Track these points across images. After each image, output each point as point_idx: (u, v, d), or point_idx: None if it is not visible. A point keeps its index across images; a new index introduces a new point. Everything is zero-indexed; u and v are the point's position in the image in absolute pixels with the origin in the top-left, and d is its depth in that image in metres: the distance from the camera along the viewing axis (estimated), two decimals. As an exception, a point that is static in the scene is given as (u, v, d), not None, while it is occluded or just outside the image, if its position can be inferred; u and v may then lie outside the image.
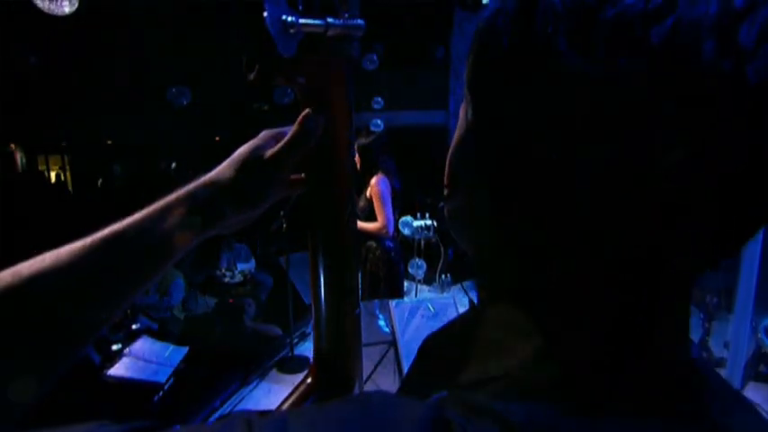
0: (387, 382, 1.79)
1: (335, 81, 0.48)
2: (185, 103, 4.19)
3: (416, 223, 4.17)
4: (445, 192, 0.40)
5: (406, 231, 4.21)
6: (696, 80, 0.24)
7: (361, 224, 2.98)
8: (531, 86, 0.27)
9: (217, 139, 7.46)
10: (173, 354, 2.95)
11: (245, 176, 0.49)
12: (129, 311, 3.19)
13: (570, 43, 0.25)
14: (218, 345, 3.70)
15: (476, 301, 0.41)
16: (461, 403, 0.29)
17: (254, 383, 3.39)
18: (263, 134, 0.52)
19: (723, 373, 2.52)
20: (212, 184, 0.48)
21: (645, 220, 0.27)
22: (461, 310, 1.85)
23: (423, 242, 4.42)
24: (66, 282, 0.40)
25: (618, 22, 0.24)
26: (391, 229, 2.95)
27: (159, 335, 3.29)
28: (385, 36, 4.99)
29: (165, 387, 2.72)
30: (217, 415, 2.87)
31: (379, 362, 1.73)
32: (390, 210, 2.92)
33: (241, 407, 3.06)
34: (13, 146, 7.59)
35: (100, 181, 8.35)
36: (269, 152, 0.49)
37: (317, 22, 0.41)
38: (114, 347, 2.88)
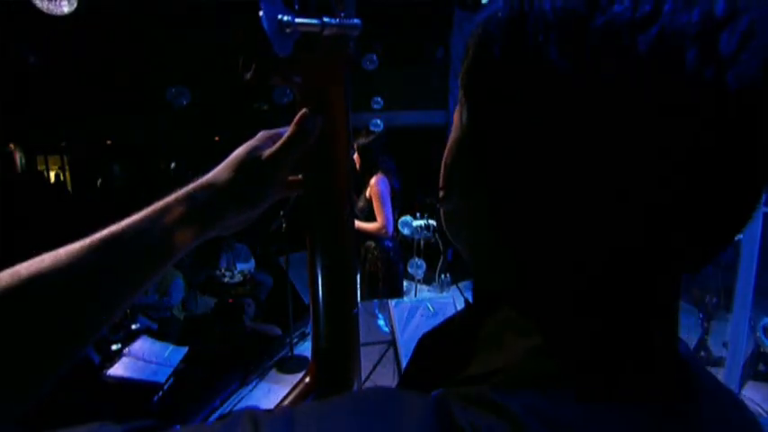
0: (386, 381, 1.79)
1: (332, 80, 0.48)
2: (185, 103, 4.18)
3: (416, 223, 4.17)
4: (440, 193, 0.40)
5: (406, 231, 4.21)
6: (680, 87, 0.24)
7: (360, 224, 2.98)
8: (524, 93, 0.28)
9: (216, 138, 7.45)
10: (172, 354, 2.94)
11: (243, 177, 0.49)
12: (128, 311, 3.19)
13: (561, 51, 0.26)
14: (218, 345, 3.71)
15: (471, 300, 0.41)
16: (461, 396, 0.30)
17: (254, 383, 3.39)
18: (261, 135, 0.52)
19: (722, 372, 2.52)
20: (210, 186, 0.48)
21: (634, 222, 0.28)
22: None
23: (422, 242, 4.41)
24: (66, 282, 0.40)
25: (607, 31, 0.25)
26: (391, 229, 2.95)
27: (159, 335, 3.29)
28: (384, 36, 4.99)
29: (165, 387, 2.72)
30: (216, 415, 2.87)
31: (379, 361, 1.73)
32: (390, 210, 2.92)
33: (241, 407, 3.06)
34: (12, 146, 7.59)
35: (99, 181, 8.35)
36: (266, 152, 0.49)
37: (313, 21, 0.42)
38: (114, 347, 2.88)
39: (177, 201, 0.46)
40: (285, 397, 0.58)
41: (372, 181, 2.92)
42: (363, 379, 1.57)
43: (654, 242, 0.28)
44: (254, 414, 0.29)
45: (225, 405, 3.11)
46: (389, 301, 2.04)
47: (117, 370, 2.69)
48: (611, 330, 0.31)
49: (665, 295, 0.32)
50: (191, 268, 4.41)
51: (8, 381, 0.37)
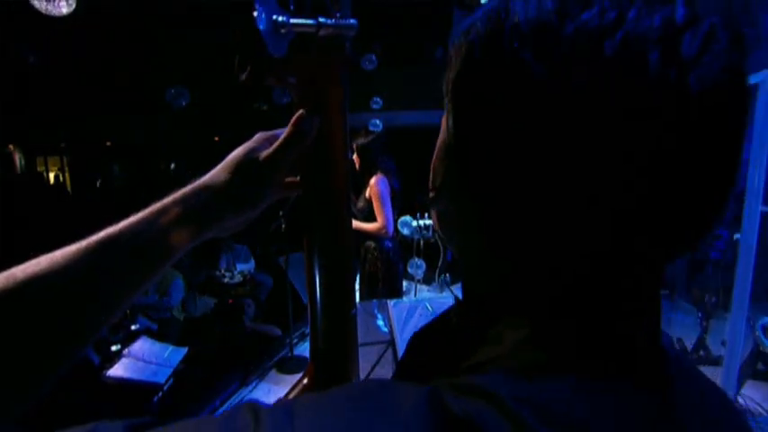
0: (385, 381, 1.79)
1: (329, 81, 0.48)
2: (184, 104, 4.18)
3: (416, 223, 4.17)
4: (430, 195, 0.41)
5: (406, 231, 4.21)
6: (643, 90, 0.25)
7: (360, 224, 2.98)
8: (502, 98, 0.29)
9: (216, 139, 7.45)
10: (172, 354, 2.94)
11: (240, 179, 0.49)
12: (128, 312, 3.19)
13: (536, 57, 0.27)
14: (218, 345, 3.71)
15: (461, 298, 0.42)
16: (453, 386, 0.30)
17: (254, 384, 3.39)
18: (258, 136, 0.52)
19: (720, 370, 2.52)
20: (208, 188, 0.48)
21: (602, 228, 0.29)
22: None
23: (422, 242, 4.41)
24: (63, 284, 0.40)
25: (576, 38, 0.26)
26: (391, 230, 2.95)
27: (159, 335, 3.29)
28: (383, 36, 4.99)
29: (165, 388, 2.72)
30: (216, 415, 2.87)
31: (378, 361, 1.73)
32: (390, 210, 2.91)
33: (240, 407, 3.06)
34: (11, 147, 7.59)
35: (99, 182, 8.34)
36: (263, 154, 0.49)
37: (308, 21, 0.42)
38: (113, 348, 2.88)
39: (174, 202, 0.47)
40: (284, 397, 0.58)
41: (372, 181, 2.91)
42: (362, 378, 1.57)
43: (619, 247, 0.29)
44: (254, 406, 0.29)
45: (225, 405, 3.11)
46: (388, 302, 2.04)
47: (117, 370, 2.69)
48: (586, 330, 0.32)
49: (637, 293, 0.33)
50: (191, 269, 4.41)
51: (8, 381, 0.37)
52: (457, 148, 0.34)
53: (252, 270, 4.73)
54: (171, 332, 3.60)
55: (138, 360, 2.82)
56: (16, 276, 0.38)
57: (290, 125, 0.48)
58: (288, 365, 3.60)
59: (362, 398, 0.30)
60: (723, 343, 3.11)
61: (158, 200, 0.47)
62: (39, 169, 8.53)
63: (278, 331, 3.98)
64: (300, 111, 0.48)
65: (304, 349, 3.84)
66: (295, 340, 3.80)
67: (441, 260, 4.93)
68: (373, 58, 4.71)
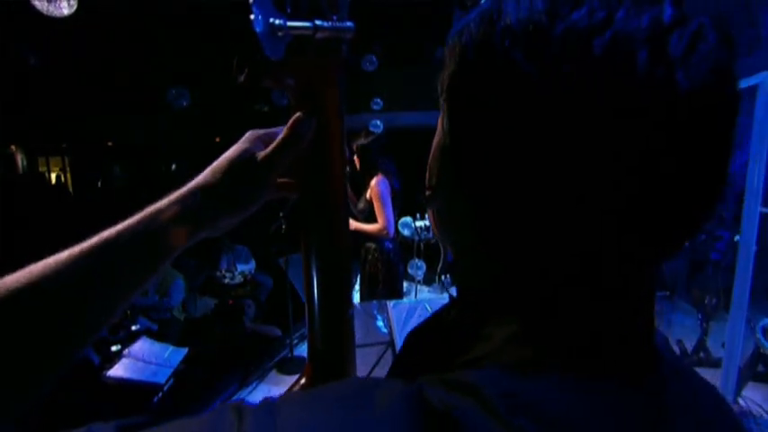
0: (384, 382, 1.79)
1: (326, 83, 0.48)
2: (185, 104, 4.19)
3: (416, 224, 4.17)
4: (426, 193, 0.42)
5: (406, 232, 4.21)
6: (632, 89, 0.26)
7: (361, 225, 2.99)
8: (496, 99, 0.29)
9: (217, 139, 7.45)
10: (172, 355, 2.95)
11: (236, 180, 0.49)
12: (128, 312, 3.20)
13: (527, 57, 0.27)
14: (218, 346, 3.71)
15: (455, 296, 0.42)
16: (441, 381, 0.31)
17: (254, 384, 3.39)
18: (249, 135, 0.52)
19: (719, 372, 2.51)
20: (203, 188, 0.49)
21: (591, 227, 0.29)
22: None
23: (422, 243, 4.42)
24: (56, 289, 0.40)
25: (566, 37, 0.27)
26: (392, 231, 2.95)
27: (159, 336, 3.29)
28: (384, 37, 4.99)
29: (165, 388, 2.73)
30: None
31: (377, 362, 1.73)
32: (390, 211, 2.92)
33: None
34: (13, 147, 7.60)
35: (99, 182, 8.36)
36: (260, 155, 0.49)
37: (304, 24, 0.42)
38: (114, 348, 2.88)
39: (170, 204, 0.47)
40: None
41: (373, 182, 2.92)
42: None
43: (607, 246, 0.30)
44: (239, 405, 0.30)
45: (225, 406, 3.11)
46: (388, 303, 2.05)
47: (117, 371, 2.69)
48: (575, 329, 0.32)
49: (627, 292, 0.33)
50: (191, 269, 4.41)
51: (7, 382, 0.38)
52: (452, 147, 0.34)
53: (252, 271, 4.73)
54: (171, 332, 3.60)
55: (139, 360, 2.83)
56: (6, 285, 0.38)
57: (287, 127, 0.49)
58: (288, 366, 3.61)
59: (345, 395, 0.30)
60: (724, 345, 3.11)
61: (157, 200, 0.47)
62: (41, 169, 8.54)
63: (278, 332, 3.98)
64: (298, 113, 0.48)
65: (304, 350, 3.79)
66: (295, 341, 3.80)
67: (441, 261, 4.93)
68: (374, 59, 4.71)
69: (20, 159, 7.85)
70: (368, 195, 2.96)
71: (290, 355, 3.70)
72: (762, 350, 3.07)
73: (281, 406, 0.29)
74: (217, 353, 3.54)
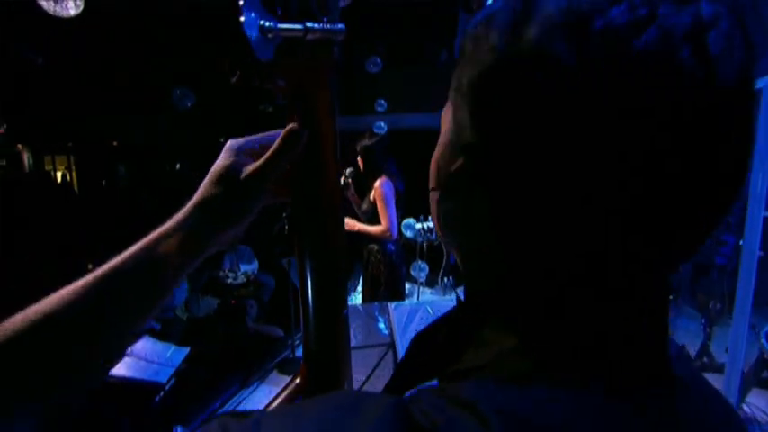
0: (385, 383, 1.79)
1: (317, 85, 0.48)
2: (189, 105, 4.20)
3: (419, 225, 4.16)
4: (432, 194, 0.41)
5: (409, 234, 4.20)
6: (673, 86, 0.25)
7: (364, 227, 2.99)
8: (531, 93, 0.28)
9: (221, 140, 7.47)
10: (174, 354, 2.95)
11: (228, 195, 0.50)
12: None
13: (568, 49, 0.26)
14: (220, 345, 3.72)
15: (463, 299, 0.42)
16: (434, 393, 0.30)
17: (255, 384, 3.40)
18: (231, 147, 0.52)
19: (722, 378, 2.49)
20: (201, 205, 0.50)
21: (597, 228, 0.28)
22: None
23: (425, 245, 4.41)
24: (71, 319, 0.42)
25: (606, 33, 0.26)
26: (395, 233, 2.94)
27: (161, 335, 3.30)
28: (387, 38, 4.99)
29: (167, 387, 2.73)
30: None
31: (378, 364, 1.73)
32: (394, 212, 2.91)
33: (242, 408, 3.07)
34: (20, 146, 7.65)
35: (104, 181, 8.40)
36: (250, 168, 0.50)
37: (295, 26, 0.42)
38: (116, 347, 2.89)
39: (172, 228, 0.48)
40: (275, 397, 0.59)
41: (376, 184, 2.92)
42: (363, 380, 1.57)
43: (613, 246, 0.29)
44: (225, 420, 0.30)
45: (226, 406, 3.12)
46: (389, 304, 2.04)
47: (119, 369, 2.70)
48: (580, 331, 0.32)
49: (632, 293, 0.32)
50: (198, 269, 4.42)
51: (29, 401, 0.41)
52: (477, 145, 0.32)
53: (255, 271, 4.74)
54: (173, 332, 3.62)
55: (141, 359, 2.83)
56: (30, 317, 0.40)
57: (279, 138, 0.49)
58: (289, 367, 3.61)
59: (329, 409, 0.30)
60: (727, 350, 3.09)
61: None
62: (47, 168, 8.59)
63: (280, 332, 3.98)
64: (291, 124, 0.49)
65: (306, 351, 3.83)
66: (297, 341, 3.80)
67: (444, 263, 4.92)
68: (378, 60, 4.71)
69: (26, 158, 7.90)
70: (371, 197, 2.96)
71: (291, 356, 3.70)
72: (766, 356, 3.04)
73: (264, 420, 0.30)
74: (219, 353, 3.55)
